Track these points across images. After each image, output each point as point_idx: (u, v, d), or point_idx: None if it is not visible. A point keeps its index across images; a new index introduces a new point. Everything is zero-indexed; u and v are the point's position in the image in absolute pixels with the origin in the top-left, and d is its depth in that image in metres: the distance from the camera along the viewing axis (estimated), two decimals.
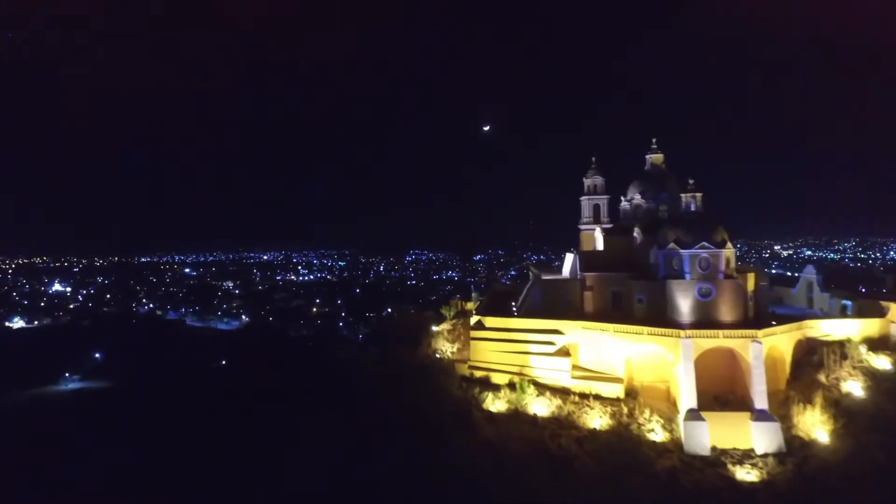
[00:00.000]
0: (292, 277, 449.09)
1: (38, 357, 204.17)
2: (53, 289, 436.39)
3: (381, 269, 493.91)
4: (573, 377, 78.41)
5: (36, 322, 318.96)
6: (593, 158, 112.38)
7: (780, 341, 75.01)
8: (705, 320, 75.44)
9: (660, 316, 77.72)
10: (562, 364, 79.26)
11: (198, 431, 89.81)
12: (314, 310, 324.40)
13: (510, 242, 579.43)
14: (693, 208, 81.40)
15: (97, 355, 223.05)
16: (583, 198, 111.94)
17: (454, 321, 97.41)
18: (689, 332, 71.69)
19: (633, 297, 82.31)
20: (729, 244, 78.34)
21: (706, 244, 76.73)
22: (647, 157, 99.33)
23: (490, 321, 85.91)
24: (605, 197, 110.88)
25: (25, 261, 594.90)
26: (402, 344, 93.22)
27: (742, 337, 71.29)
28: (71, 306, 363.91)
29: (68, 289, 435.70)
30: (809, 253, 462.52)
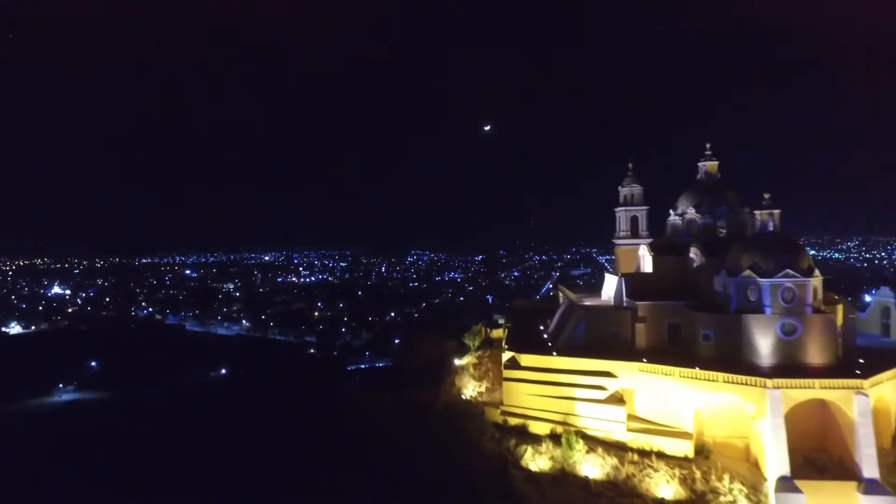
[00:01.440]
0: (293, 279, 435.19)
1: (33, 366, 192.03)
2: (53, 291, 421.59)
3: (383, 269, 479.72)
4: (630, 430, 63.96)
5: (33, 327, 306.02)
6: (630, 165, 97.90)
7: (887, 389, 60.65)
8: (790, 363, 60.97)
9: (732, 356, 63.21)
10: (615, 413, 64.81)
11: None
12: (316, 314, 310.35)
13: (511, 242, 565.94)
14: (771, 228, 66.71)
15: (93, 364, 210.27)
16: (619, 209, 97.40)
17: (479, 353, 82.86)
18: (777, 381, 57.23)
19: (696, 331, 67.73)
20: (816, 271, 63.84)
21: (791, 272, 62.20)
22: (701, 164, 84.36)
23: (526, 359, 71.38)
24: (643, 208, 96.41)
25: (26, 262, 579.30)
26: (421, 381, 78.68)
27: (844, 388, 56.89)
28: (70, 310, 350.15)
29: (68, 291, 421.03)
30: (813, 253, 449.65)
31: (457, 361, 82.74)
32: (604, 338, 72.64)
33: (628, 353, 70.18)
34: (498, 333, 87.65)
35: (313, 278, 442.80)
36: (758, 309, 63.15)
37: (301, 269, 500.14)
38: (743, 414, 61.17)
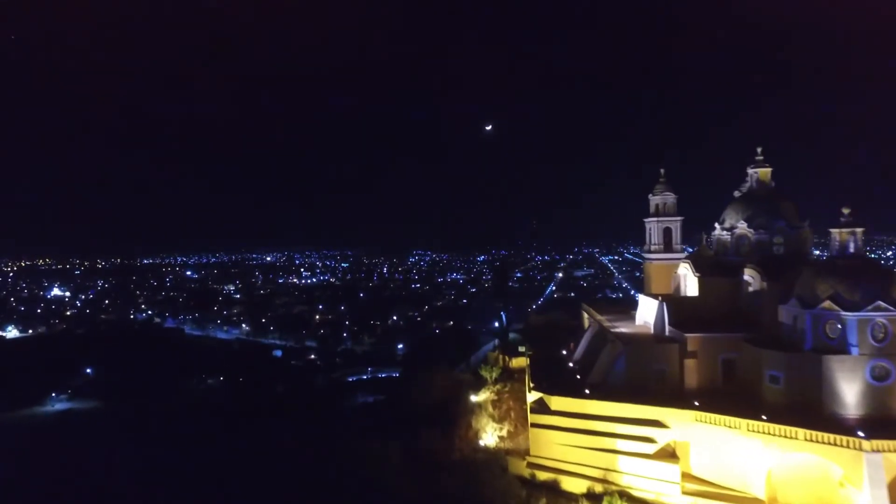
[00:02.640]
0: (295, 280, 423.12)
1: (27, 372, 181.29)
2: (52, 293, 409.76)
3: (385, 271, 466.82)
4: (685, 492, 52.05)
5: (30, 331, 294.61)
6: (662, 171, 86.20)
7: None
8: (882, 414, 49.22)
9: (807, 404, 51.39)
10: (667, 472, 52.90)
11: None
12: (317, 317, 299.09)
13: (513, 242, 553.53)
14: (853, 249, 54.64)
15: (88, 370, 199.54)
16: (649, 220, 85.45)
17: (498, 387, 70.84)
18: (877, 443, 45.36)
19: (759, 371, 55.76)
20: None
21: (883, 304, 50.20)
22: (751, 171, 72.09)
23: (556, 402, 59.45)
24: (677, 219, 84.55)
25: (28, 263, 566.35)
26: (432, 422, 66.65)
27: None
28: (68, 313, 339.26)
29: (67, 293, 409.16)
30: (817, 253, 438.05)
31: (473, 398, 70.77)
32: (647, 376, 60.77)
33: (676, 394, 58.45)
34: (519, 362, 75.72)
35: (314, 280, 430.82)
36: (841, 348, 51.19)
37: (302, 270, 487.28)
38: (828, 478, 49.24)
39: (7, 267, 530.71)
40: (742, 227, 68.98)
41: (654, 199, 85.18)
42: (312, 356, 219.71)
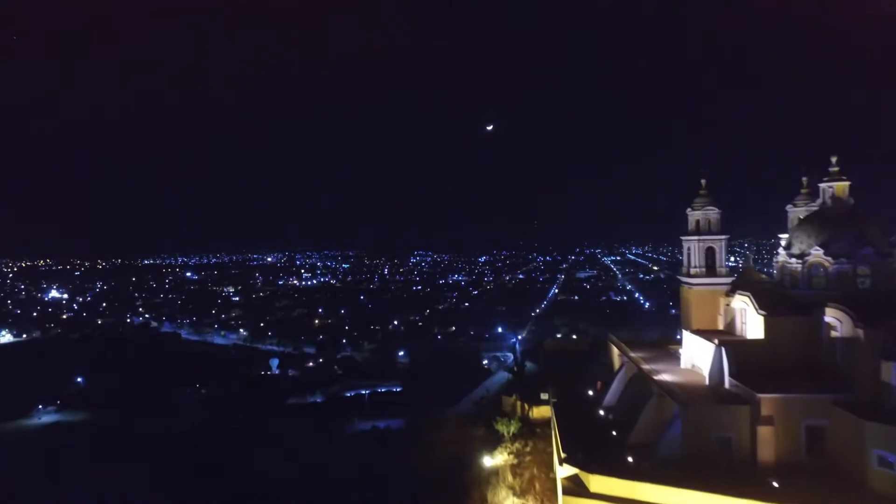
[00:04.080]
0: (295, 282, 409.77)
1: (15, 381, 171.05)
2: (50, 295, 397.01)
3: (386, 272, 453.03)
4: None
5: (25, 335, 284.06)
6: (703, 182, 72.33)
7: None
8: None
9: None
10: None
11: None
12: (316, 321, 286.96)
13: (514, 243, 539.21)
14: None
15: (79, 379, 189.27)
16: (688, 238, 71.67)
17: (517, 446, 57.23)
18: None
19: (862, 448, 42.19)
20: None
21: None
22: (824, 185, 58.01)
23: (597, 482, 45.76)
24: (722, 237, 70.73)
25: (29, 263, 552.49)
26: (438, 495, 52.98)
27: None
28: (64, 316, 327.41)
29: (65, 295, 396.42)
30: None
31: (487, 461, 57.06)
32: (708, 445, 47.14)
33: (747, 470, 44.96)
34: (541, 413, 62.04)
35: (315, 281, 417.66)
36: None
37: (303, 271, 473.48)
38: None
39: (7, 268, 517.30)
40: (817, 254, 55.07)
41: (695, 215, 71.44)
42: (311, 364, 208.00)
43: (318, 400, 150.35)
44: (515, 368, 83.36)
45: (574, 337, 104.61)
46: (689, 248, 71.87)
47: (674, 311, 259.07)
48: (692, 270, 70.75)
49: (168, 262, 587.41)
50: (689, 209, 72.47)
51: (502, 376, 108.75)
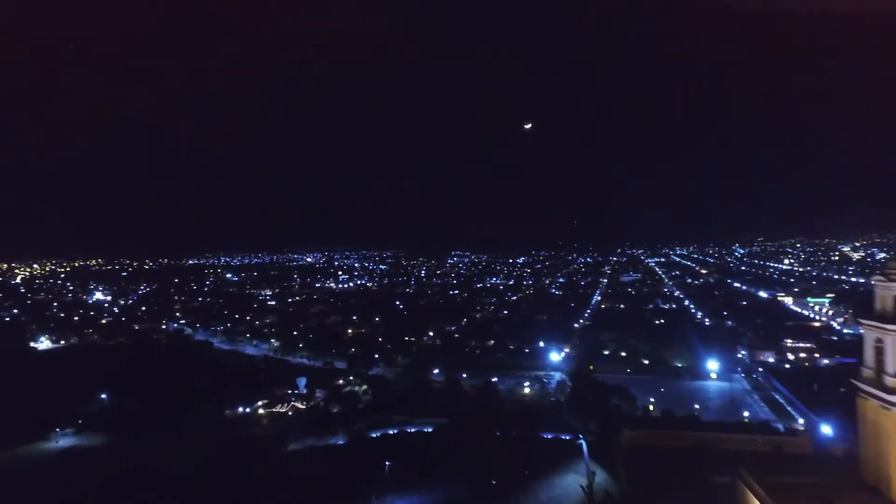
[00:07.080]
0: (331, 285, 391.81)
1: (44, 394, 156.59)
2: (94, 298, 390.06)
3: (423, 274, 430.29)
4: None
5: (62, 342, 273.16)
6: None
7: None
8: None
9: None
10: None
11: None
12: (350, 331, 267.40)
13: (553, 243, 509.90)
14: None
15: (103, 395, 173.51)
16: (886, 326, 44.52)
17: None
18: None
19: None
20: None
21: None
22: None
23: None
24: None
25: (81, 263, 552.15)
26: None
27: None
28: (103, 321, 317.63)
29: (109, 298, 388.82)
30: (883, 255, 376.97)
31: None
32: None
33: None
34: None
35: (351, 284, 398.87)
36: None
37: (340, 273, 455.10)
38: None
39: (60, 268, 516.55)
40: None
41: (891, 288, 44.00)
42: (340, 381, 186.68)
43: (339, 442, 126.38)
44: (587, 485, 56.90)
45: (662, 431, 73.77)
46: (876, 340, 44.59)
47: (730, 321, 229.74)
48: (888, 381, 43.27)
49: (211, 262, 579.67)
50: (877, 276, 45.20)
51: (570, 481, 71.97)
